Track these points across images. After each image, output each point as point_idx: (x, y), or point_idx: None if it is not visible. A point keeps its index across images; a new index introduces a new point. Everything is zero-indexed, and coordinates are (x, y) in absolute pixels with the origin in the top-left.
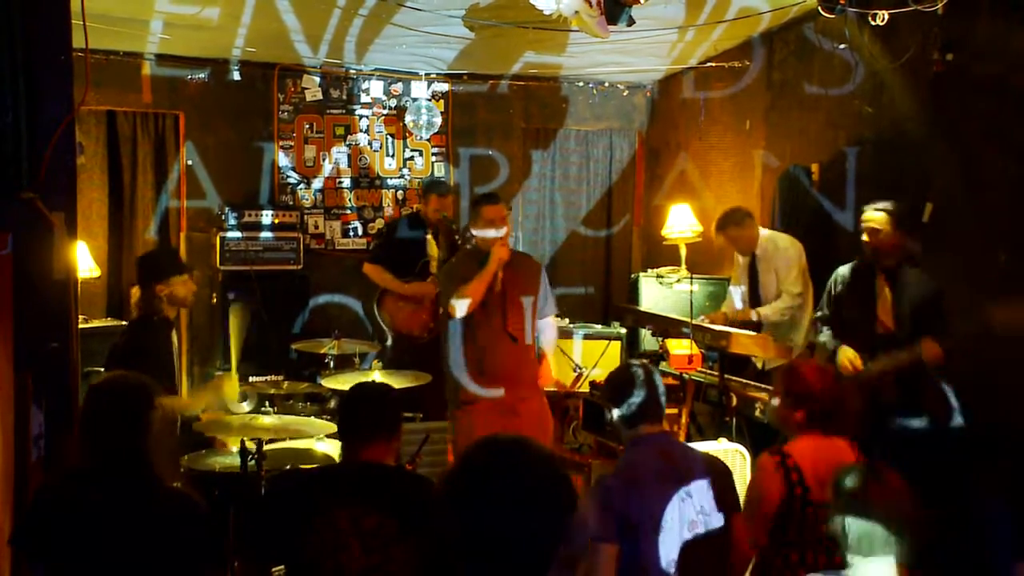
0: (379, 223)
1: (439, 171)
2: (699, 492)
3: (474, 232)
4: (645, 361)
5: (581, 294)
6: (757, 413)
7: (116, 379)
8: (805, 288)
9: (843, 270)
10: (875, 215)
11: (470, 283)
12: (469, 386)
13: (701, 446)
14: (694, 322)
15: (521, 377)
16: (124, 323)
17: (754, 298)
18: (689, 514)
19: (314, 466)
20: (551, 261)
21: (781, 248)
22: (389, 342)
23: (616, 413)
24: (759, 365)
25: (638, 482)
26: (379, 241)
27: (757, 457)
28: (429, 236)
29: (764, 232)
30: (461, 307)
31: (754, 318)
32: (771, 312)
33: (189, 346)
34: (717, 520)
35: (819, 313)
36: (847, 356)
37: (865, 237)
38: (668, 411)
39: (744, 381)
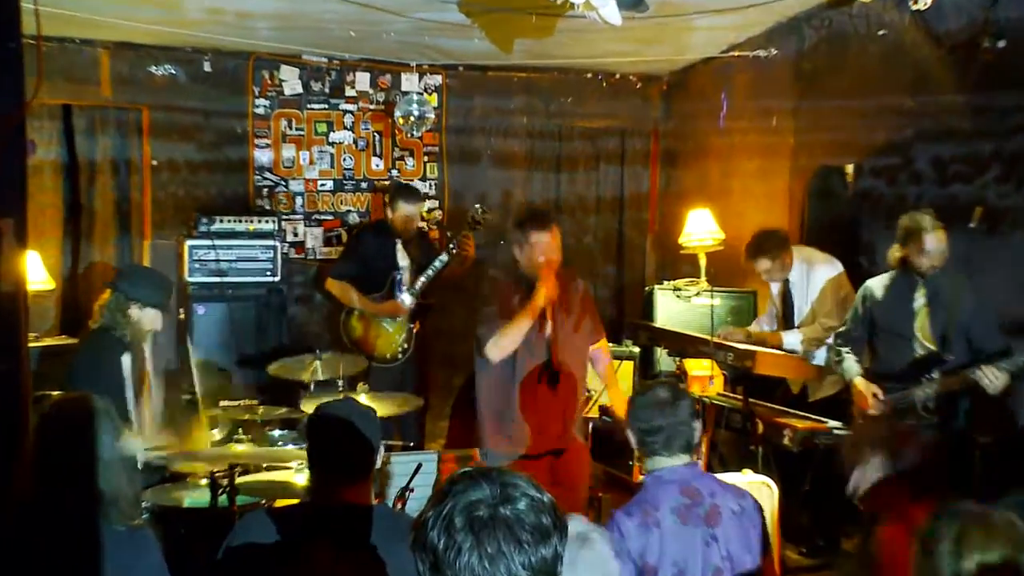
0: None
1: (432, 172)
2: (726, 535)
3: (518, 255)
4: (672, 381)
5: None
6: (786, 441)
7: (69, 402)
8: (841, 318)
9: (875, 284)
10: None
11: (511, 324)
12: (499, 436)
13: (723, 478)
14: (715, 339)
15: (563, 423)
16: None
17: (788, 321)
18: (714, 560)
19: (288, 504)
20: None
21: (818, 272)
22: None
23: (635, 440)
24: (795, 389)
25: (657, 523)
26: (343, 254)
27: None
28: (399, 246)
29: (799, 252)
30: (498, 351)
31: (779, 343)
32: (799, 341)
33: (152, 367)
34: (745, 567)
35: (842, 329)
36: (864, 393)
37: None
38: None
39: (771, 406)
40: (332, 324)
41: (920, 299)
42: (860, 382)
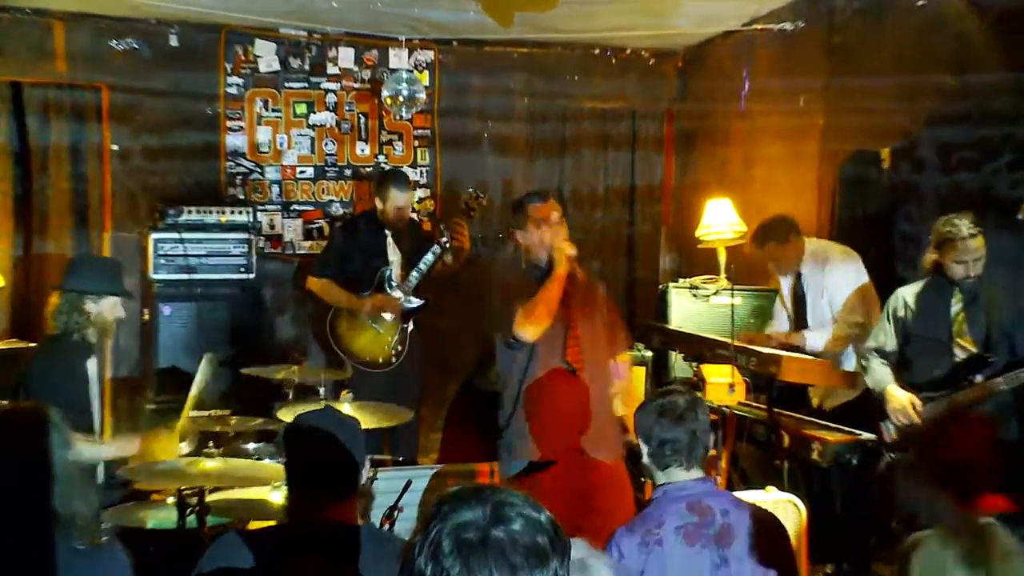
0: None
1: (423, 158)
2: (740, 557)
3: (521, 239)
4: (687, 388)
5: None
6: (815, 456)
7: (17, 412)
8: (867, 314)
9: (906, 293)
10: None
11: (537, 296)
12: (523, 444)
13: (745, 496)
14: (736, 343)
15: (581, 426)
16: (33, 344)
17: (799, 321)
18: None
19: (267, 525)
20: None
21: (833, 263)
22: (349, 372)
23: (647, 451)
24: (815, 402)
25: (659, 542)
26: (325, 249)
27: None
28: (389, 239)
29: (811, 243)
30: (532, 326)
31: (802, 343)
32: (821, 341)
33: (113, 373)
34: None
35: (871, 343)
36: (902, 402)
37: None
38: None
39: (799, 416)
40: (313, 326)
41: (956, 304)
42: (895, 391)
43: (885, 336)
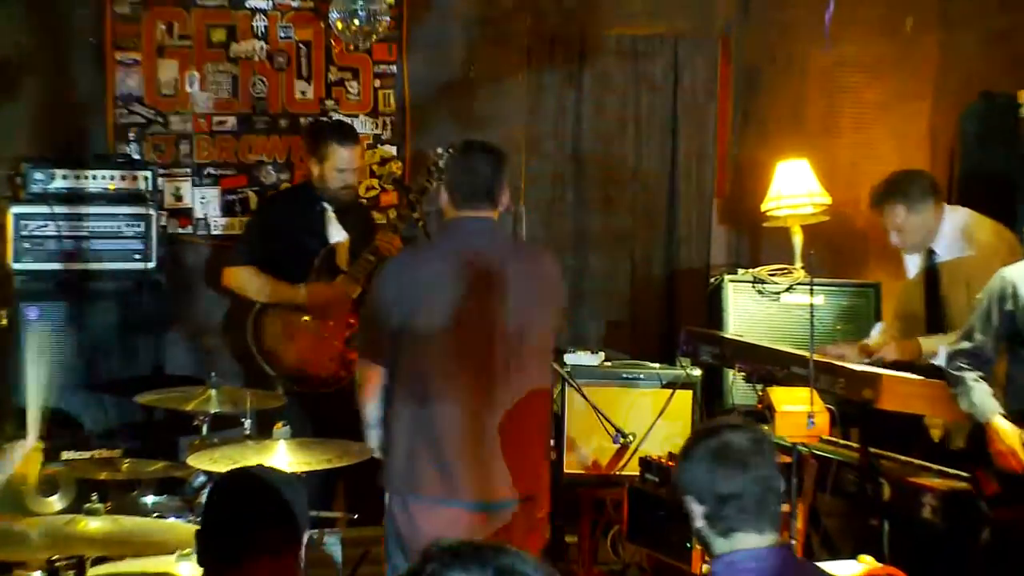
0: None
1: (386, 104)
2: None
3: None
4: (747, 420)
5: (625, 312)
6: (925, 512)
7: None
8: None
9: (1019, 277)
10: None
11: None
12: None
13: (831, 568)
14: (817, 357)
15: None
16: None
17: (934, 325)
18: None
19: None
20: (575, 256)
21: (981, 244)
22: (280, 391)
23: (698, 512)
24: (936, 434)
25: None
26: (247, 230)
27: None
28: (330, 212)
29: (951, 216)
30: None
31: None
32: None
33: None
34: None
35: (964, 344)
36: (1013, 440)
37: None
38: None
39: (903, 459)
40: (234, 335)
41: None
42: (1003, 424)
43: (984, 336)
